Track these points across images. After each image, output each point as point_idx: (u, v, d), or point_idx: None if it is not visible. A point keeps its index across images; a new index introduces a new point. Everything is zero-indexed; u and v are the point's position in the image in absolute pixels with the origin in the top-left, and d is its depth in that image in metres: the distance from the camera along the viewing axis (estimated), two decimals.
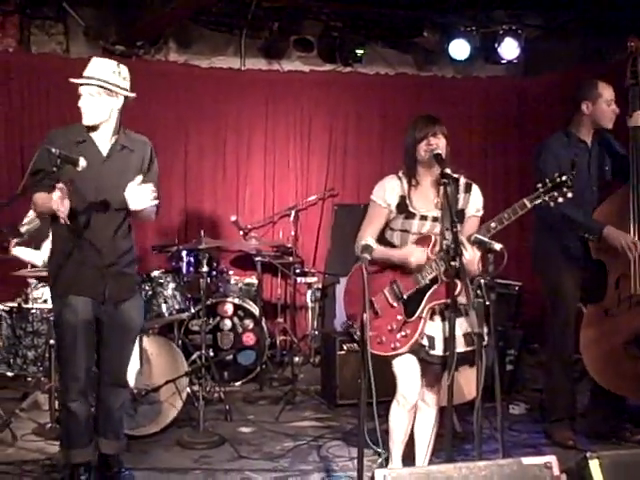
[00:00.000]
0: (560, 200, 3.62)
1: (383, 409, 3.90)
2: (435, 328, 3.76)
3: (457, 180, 3.79)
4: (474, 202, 3.88)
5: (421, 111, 7.13)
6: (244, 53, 7.50)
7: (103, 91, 3.85)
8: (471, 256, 3.57)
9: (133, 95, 3.95)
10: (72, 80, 3.85)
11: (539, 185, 3.62)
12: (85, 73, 3.87)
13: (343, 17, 7.42)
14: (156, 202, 3.84)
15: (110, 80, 3.86)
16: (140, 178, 3.80)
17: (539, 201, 3.62)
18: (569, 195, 3.60)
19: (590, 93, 4.67)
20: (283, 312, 7.28)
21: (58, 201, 3.61)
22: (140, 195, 3.77)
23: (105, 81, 3.85)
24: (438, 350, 3.74)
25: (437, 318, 3.77)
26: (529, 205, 3.63)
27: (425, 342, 3.75)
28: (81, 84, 3.85)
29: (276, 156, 7.50)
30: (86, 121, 3.88)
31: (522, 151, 7.77)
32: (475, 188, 3.91)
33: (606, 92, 4.66)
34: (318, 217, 7.55)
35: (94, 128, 3.91)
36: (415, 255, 3.71)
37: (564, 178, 3.60)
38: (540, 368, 6.04)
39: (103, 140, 3.93)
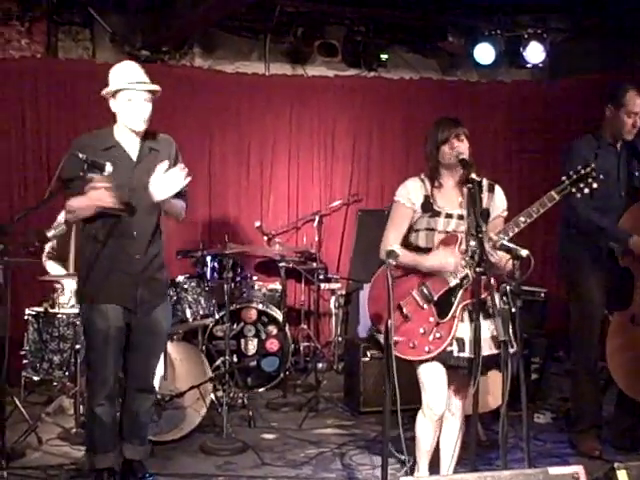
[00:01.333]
0: (586, 191, 3.65)
1: (407, 417, 3.88)
2: (464, 330, 3.72)
3: (480, 182, 3.76)
4: (498, 202, 3.87)
5: (445, 115, 7.26)
6: (268, 58, 7.51)
7: (151, 96, 3.89)
8: (497, 259, 3.54)
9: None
10: (149, 87, 3.86)
11: (564, 177, 3.65)
12: (138, 78, 3.87)
13: (367, 22, 7.40)
14: (186, 181, 3.80)
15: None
16: (165, 166, 3.78)
17: (566, 192, 3.64)
18: (594, 185, 3.63)
19: (615, 99, 4.62)
20: (307, 318, 7.27)
21: (105, 193, 3.65)
22: (165, 183, 3.75)
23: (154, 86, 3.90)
24: (467, 352, 3.69)
25: (466, 319, 3.73)
26: (557, 197, 3.65)
27: (454, 346, 3.70)
28: (151, 90, 3.87)
29: (300, 161, 7.50)
30: (140, 127, 3.90)
31: (547, 156, 7.72)
32: (498, 188, 3.90)
33: (631, 103, 4.57)
34: (342, 223, 7.54)
35: (125, 133, 3.92)
36: (451, 262, 3.67)
37: (588, 169, 3.63)
38: (566, 376, 5.98)
39: (132, 144, 3.95)
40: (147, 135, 3.98)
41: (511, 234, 3.61)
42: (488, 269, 3.46)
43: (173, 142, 4.11)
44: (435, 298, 3.72)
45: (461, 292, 3.70)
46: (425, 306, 3.74)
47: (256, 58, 7.52)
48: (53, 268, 5.51)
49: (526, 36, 7.35)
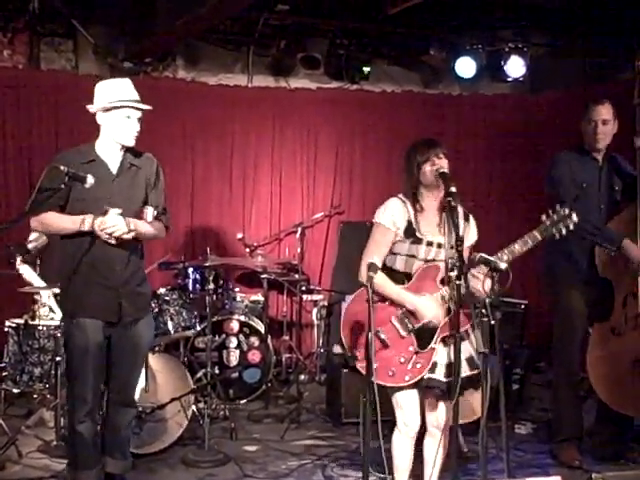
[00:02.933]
0: (564, 232, 3.71)
1: (388, 428, 3.88)
2: (438, 354, 3.76)
3: (456, 208, 3.77)
4: (472, 232, 3.90)
5: (427, 128, 7.33)
6: (251, 70, 7.54)
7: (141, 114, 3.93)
8: (485, 284, 3.57)
9: None
10: (144, 107, 3.91)
11: (544, 217, 3.71)
12: (136, 96, 3.92)
13: (350, 35, 7.45)
14: (130, 235, 3.84)
15: None
16: (117, 211, 3.81)
17: (547, 233, 3.70)
18: (571, 227, 3.71)
19: (584, 114, 4.75)
20: (289, 330, 7.27)
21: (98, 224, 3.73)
22: (110, 226, 3.79)
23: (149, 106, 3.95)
24: (439, 375, 3.73)
25: (440, 344, 3.77)
26: (539, 237, 3.71)
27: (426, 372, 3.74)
28: (144, 109, 3.91)
29: (282, 173, 7.52)
30: (131, 142, 3.94)
31: (527, 167, 7.79)
32: (472, 219, 3.92)
33: (590, 111, 4.71)
34: (324, 234, 7.56)
35: (107, 148, 3.94)
36: (432, 313, 3.70)
37: (566, 211, 3.70)
38: (546, 387, 6.02)
39: (113, 158, 3.96)
40: (129, 151, 3.99)
41: (486, 256, 3.60)
42: (466, 293, 3.49)
43: (155, 160, 4.13)
44: (415, 328, 3.74)
45: (442, 324, 3.73)
46: (405, 335, 3.75)
47: (239, 70, 7.55)
48: (27, 272, 5.45)
49: (507, 50, 7.43)
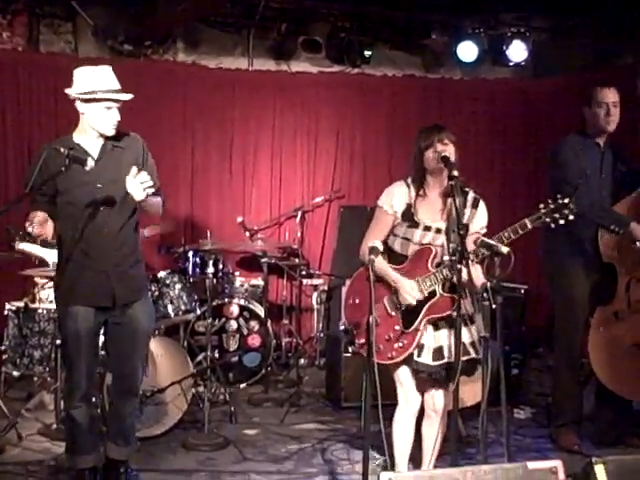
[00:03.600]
0: (561, 222, 3.57)
1: (388, 412, 3.89)
2: (426, 337, 3.77)
3: (466, 194, 3.79)
4: (479, 219, 3.86)
5: (428, 112, 7.31)
6: (252, 54, 7.50)
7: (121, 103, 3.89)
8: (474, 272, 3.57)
9: None
10: (124, 97, 3.84)
11: (541, 205, 3.58)
12: (116, 86, 3.85)
13: (351, 18, 7.41)
14: (152, 190, 3.78)
15: None
16: (135, 169, 3.75)
17: (540, 222, 3.58)
18: (570, 217, 3.55)
19: (589, 98, 4.72)
20: (289, 314, 7.26)
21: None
22: (139, 184, 3.72)
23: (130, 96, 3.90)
24: (425, 359, 3.75)
25: (429, 328, 3.78)
26: (530, 226, 3.59)
27: (415, 351, 3.76)
28: (124, 100, 3.85)
29: (283, 157, 7.50)
30: (111, 132, 3.88)
31: (528, 152, 7.79)
32: (482, 205, 3.88)
33: (599, 94, 4.68)
34: (324, 219, 7.55)
35: (87, 136, 3.90)
36: (408, 294, 3.71)
37: (566, 201, 3.55)
38: (546, 372, 6.03)
39: (92, 145, 3.90)
40: (110, 136, 3.94)
41: (487, 240, 3.57)
42: (463, 280, 3.49)
43: (139, 139, 4.06)
44: (403, 308, 3.76)
45: (427, 306, 3.73)
46: (393, 314, 3.79)
47: (240, 53, 7.50)
48: (28, 247, 5.42)
49: (509, 35, 7.40)
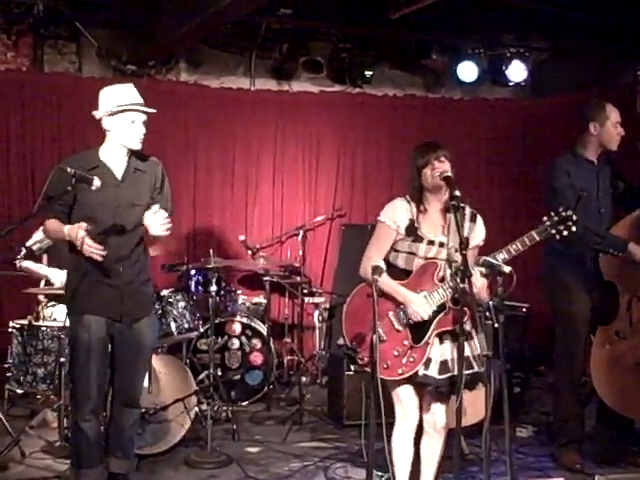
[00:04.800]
0: (565, 234, 3.68)
1: (391, 430, 3.90)
2: (433, 350, 3.77)
3: (463, 208, 3.81)
4: (478, 232, 3.90)
5: (429, 132, 7.37)
6: (254, 74, 7.57)
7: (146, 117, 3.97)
8: (480, 284, 3.61)
9: None
10: (149, 110, 3.94)
11: (545, 218, 3.68)
12: (140, 100, 3.96)
13: (352, 39, 7.48)
14: (169, 232, 3.85)
15: None
16: (157, 207, 3.84)
17: (546, 235, 3.69)
18: (573, 229, 3.67)
19: (598, 114, 4.71)
20: (290, 332, 7.29)
21: (85, 246, 3.72)
22: (158, 221, 3.81)
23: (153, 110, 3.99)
24: (432, 371, 3.75)
25: (436, 341, 3.78)
26: (537, 238, 3.69)
27: (421, 367, 3.76)
28: (149, 112, 3.94)
29: (284, 176, 7.55)
30: (138, 146, 3.97)
31: (528, 171, 7.84)
32: (479, 219, 3.93)
33: (613, 114, 4.70)
34: (326, 237, 7.59)
35: (112, 154, 3.97)
36: (421, 309, 3.71)
37: (569, 213, 3.67)
38: (547, 390, 6.04)
39: (117, 164, 3.99)
40: (134, 155, 4.02)
41: (490, 259, 3.62)
42: (468, 295, 3.52)
43: (160, 163, 4.15)
44: (411, 322, 3.76)
45: (437, 320, 3.74)
46: (400, 329, 3.77)
47: (241, 73, 7.57)
48: (31, 265, 5.47)
49: (509, 55, 7.49)
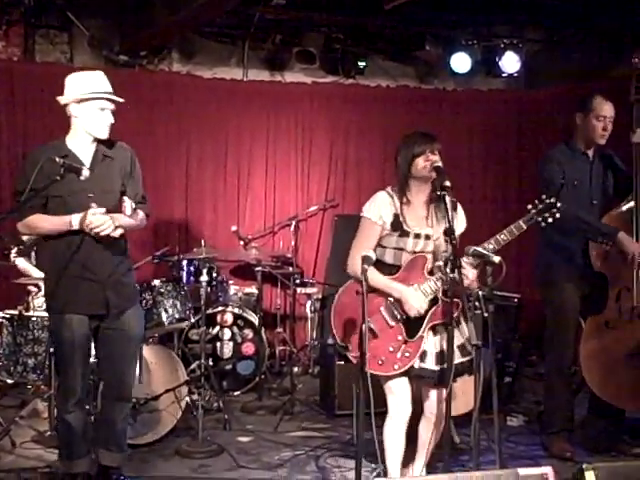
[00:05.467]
0: (550, 220, 3.78)
1: (381, 420, 3.91)
2: (427, 343, 3.78)
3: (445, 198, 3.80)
4: (461, 221, 3.92)
5: (422, 123, 7.35)
6: (247, 64, 7.54)
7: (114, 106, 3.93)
8: (472, 274, 3.61)
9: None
10: (118, 99, 3.90)
11: (530, 206, 3.78)
12: (109, 88, 3.91)
13: (345, 29, 7.47)
14: (109, 232, 3.81)
15: None
16: (95, 207, 3.78)
17: (532, 222, 3.76)
18: (557, 216, 3.78)
19: (584, 105, 4.72)
20: (282, 322, 7.29)
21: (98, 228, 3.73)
22: (97, 222, 3.77)
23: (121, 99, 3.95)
24: (429, 364, 3.77)
25: (430, 334, 3.80)
26: (524, 227, 3.77)
27: (415, 360, 3.77)
28: (120, 101, 3.91)
29: (277, 167, 7.53)
30: (105, 134, 3.93)
31: (521, 163, 7.84)
32: (460, 207, 3.94)
33: (599, 107, 4.68)
34: (318, 228, 7.59)
35: (79, 142, 3.93)
36: (417, 302, 3.71)
37: (552, 200, 3.75)
38: (538, 380, 6.06)
39: (85, 152, 3.94)
40: (102, 142, 3.97)
41: (480, 249, 3.64)
42: (458, 285, 3.52)
43: (129, 149, 4.11)
44: (404, 317, 3.76)
45: (430, 313, 3.75)
46: (393, 324, 3.78)
47: (234, 64, 7.55)
48: (23, 264, 5.45)
49: (502, 46, 7.49)
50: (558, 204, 3.76)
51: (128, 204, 3.95)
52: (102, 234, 3.78)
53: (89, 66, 6.79)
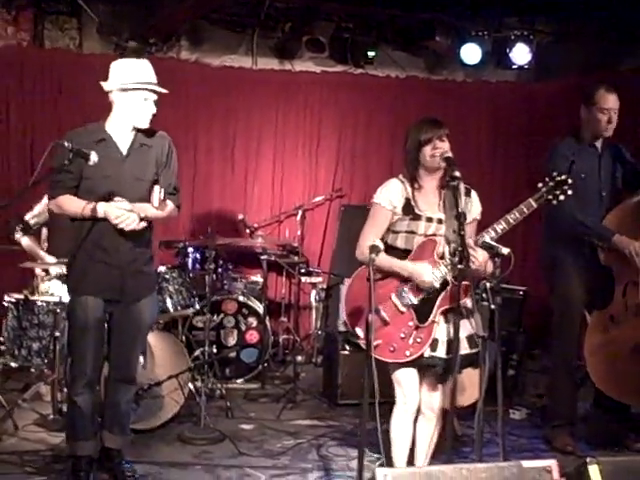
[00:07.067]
0: (562, 198, 3.71)
1: (384, 410, 3.90)
2: (439, 331, 3.75)
3: (458, 185, 3.78)
4: (475, 206, 3.88)
5: (431, 114, 7.29)
6: (256, 52, 7.52)
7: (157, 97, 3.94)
8: (482, 258, 3.59)
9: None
10: (162, 90, 3.91)
11: (540, 184, 3.70)
12: (152, 78, 3.91)
13: (355, 19, 7.43)
14: (134, 226, 3.83)
15: None
16: (126, 205, 3.81)
17: (543, 199, 3.70)
18: (569, 192, 3.70)
19: (587, 98, 4.70)
20: (287, 311, 7.29)
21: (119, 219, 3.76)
22: (125, 219, 3.79)
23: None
24: (440, 352, 3.73)
25: (441, 320, 3.76)
26: (535, 205, 3.70)
27: (427, 348, 3.74)
28: (164, 92, 3.92)
29: (285, 156, 7.52)
30: (145, 125, 3.94)
31: (530, 155, 7.79)
32: (474, 193, 3.91)
33: (602, 100, 4.65)
34: (325, 217, 7.58)
35: (118, 127, 3.93)
36: (428, 277, 3.67)
37: (563, 177, 3.69)
38: (542, 373, 6.05)
39: (123, 138, 3.95)
40: (141, 130, 3.98)
41: (488, 239, 3.63)
42: (468, 274, 3.50)
43: (167, 137, 4.11)
44: (415, 302, 3.73)
45: (441, 297, 3.72)
46: (404, 310, 3.74)
47: (243, 52, 7.52)
48: (27, 243, 5.45)
49: (512, 37, 7.43)
50: (569, 180, 3.68)
51: (156, 194, 3.93)
52: (127, 229, 3.80)
53: (97, 52, 6.82)
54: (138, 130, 3.96)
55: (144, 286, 4.07)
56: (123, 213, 3.78)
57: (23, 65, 6.69)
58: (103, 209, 3.79)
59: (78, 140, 3.79)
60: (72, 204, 3.88)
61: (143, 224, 3.87)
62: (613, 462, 3.00)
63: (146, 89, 3.86)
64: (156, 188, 3.94)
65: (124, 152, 3.94)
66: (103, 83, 3.92)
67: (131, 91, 3.85)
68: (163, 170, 4.03)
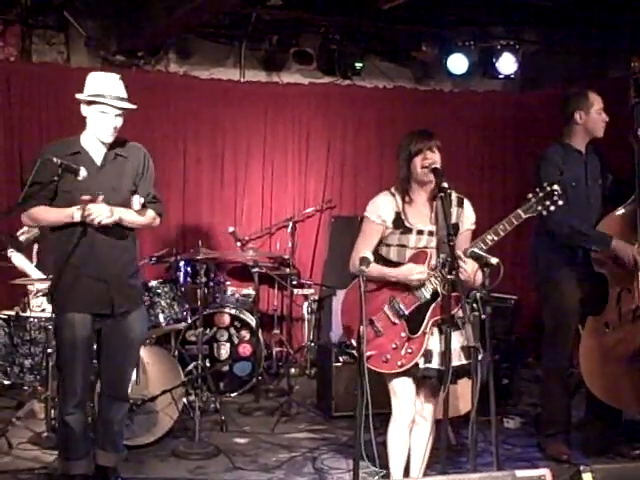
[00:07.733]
0: (552, 208, 3.65)
1: (379, 421, 3.91)
2: (433, 342, 3.77)
3: (449, 195, 3.79)
4: (467, 216, 3.90)
5: (419, 124, 7.34)
6: (244, 65, 7.54)
7: (123, 111, 3.93)
8: (471, 269, 3.60)
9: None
10: (124, 105, 3.90)
11: (530, 195, 3.67)
12: (117, 93, 3.90)
13: (342, 30, 7.46)
14: (109, 221, 3.83)
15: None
16: (101, 197, 3.81)
17: (532, 211, 3.66)
18: (560, 203, 3.65)
19: (582, 103, 4.73)
20: (279, 323, 7.28)
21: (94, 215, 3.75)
22: (94, 211, 3.78)
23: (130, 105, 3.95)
24: (434, 363, 3.75)
25: (435, 332, 3.78)
26: (524, 216, 3.67)
27: (421, 359, 3.75)
28: (124, 108, 3.90)
29: (274, 168, 7.53)
30: (107, 139, 3.93)
31: (519, 165, 7.84)
32: (467, 203, 3.93)
33: (597, 102, 4.72)
34: (315, 229, 7.58)
35: (92, 140, 3.94)
36: (416, 273, 3.72)
37: (555, 187, 3.64)
38: (535, 382, 6.06)
39: (97, 150, 3.96)
40: (115, 143, 3.99)
41: (477, 249, 3.63)
42: (458, 285, 3.52)
43: (142, 149, 4.13)
44: (406, 313, 3.76)
45: (432, 308, 3.75)
46: (397, 321, 3.77)
47: (231, 64, 7.54)
48: (19, 260, 5.43)
49: (499, 47, 7.48)
50: (559, 190, 3.63)
51: (136, 200, 3.98)
52: (102, 222, 3.79)
53: (85, 66, 6.82)
54: (113, 142, 3.96)
55: (131, 299, 4.05)
56: (95, 207, 3.76)
57: (11, 80, 6.66)
58: (79, 212, 3.78)
59: (54, 153, 3.81)
60: (50, 213, 3.89)
61: (115, 218, 3.84)
62: (606, 469, 3.00)
63: (101, 102, 3.86)
64: (135, 197, 3.98)
65: (98, 163, 3.94)
66: (78, 95, 3.93)
67: (94, 104, 3.87)
68: (140, 180, 4.04)
